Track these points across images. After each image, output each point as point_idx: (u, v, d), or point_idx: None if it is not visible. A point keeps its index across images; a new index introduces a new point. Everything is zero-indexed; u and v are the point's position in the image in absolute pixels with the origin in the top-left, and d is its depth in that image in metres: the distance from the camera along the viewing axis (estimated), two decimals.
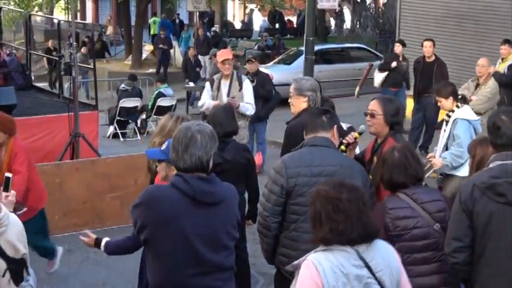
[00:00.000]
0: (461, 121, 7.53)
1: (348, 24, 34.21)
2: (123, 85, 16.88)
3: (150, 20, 32.69)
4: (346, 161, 4.95)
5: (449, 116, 7.72)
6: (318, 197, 3.37)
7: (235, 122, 6.54)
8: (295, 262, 3.38)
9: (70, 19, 10.91)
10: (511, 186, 3.93)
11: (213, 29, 31.52)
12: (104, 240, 4.77)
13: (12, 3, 29.34)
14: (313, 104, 6.10)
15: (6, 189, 4.56)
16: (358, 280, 3.25)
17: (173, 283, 3.87)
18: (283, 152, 6.05)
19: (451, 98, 7.71)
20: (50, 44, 24.74)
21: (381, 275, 3.30)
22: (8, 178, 4.55)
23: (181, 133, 3.90)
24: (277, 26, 37.26)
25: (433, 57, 12.47)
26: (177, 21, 31.80)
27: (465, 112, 7.65)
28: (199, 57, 24.60)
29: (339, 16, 34.88)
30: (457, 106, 7.69)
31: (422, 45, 12.62)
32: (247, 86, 9.02)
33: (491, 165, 4.09)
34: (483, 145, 4.79)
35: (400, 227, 4.52)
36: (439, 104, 7.97)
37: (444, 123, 7.90)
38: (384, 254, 3.38)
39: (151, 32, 31.52)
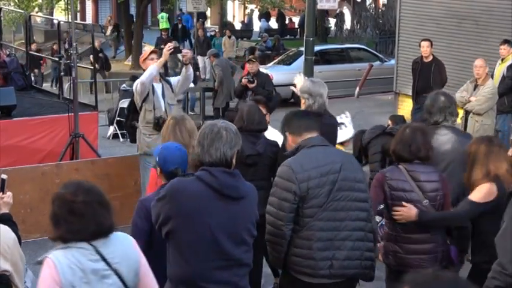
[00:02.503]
0: None
1: (348, 24, 34.17)
2: (124, 85, 16.88)
3: (159, 16, 32.82)
4: (345, 156, 5.06)
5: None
6: (57, 199, 3.51)
7: (266, 120, 6.70)
8: (39, 258, 3.50)
9: (70, 20, 10.92)
10: None
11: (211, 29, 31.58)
12: None
13: (12, 3, 29.35)
14: (308, 108, 6.12)
15: (2, 190, 4.57)
16: (94, 274, 3.42)
17: (193, 276, 3.92)
18: (281, 159, 6.06)
19: None
20: (97, 44, 24.94)
21: (118, 266, 3.49)
22: (3, 180, 4.57)
23: (207, 129, 4.02)
24: (275, 25, 37.28)
25: (431, 58, 12.50)
26: (180, 26, 31.46)
27: None
28: (199, 57, 24.59)
29: (330, 17, 34.82)
30: None
31: (419, 46, 12.65)
32: (174, 81, 8.68)
33: None
34: (478, 143, 5.20)
35: (395, 197, 5.08)
36: None
37: None
38: (123, 247, 3.57)
39: (160, 27, 31.83)
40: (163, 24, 31.84)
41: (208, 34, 27.96)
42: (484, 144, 5.10)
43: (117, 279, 3.48)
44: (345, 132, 7.35)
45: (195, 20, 27.27)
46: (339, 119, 7.19)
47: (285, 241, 4.74)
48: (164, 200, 3.96)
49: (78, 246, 3.43)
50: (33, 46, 24.11)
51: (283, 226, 4.71)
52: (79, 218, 3.43)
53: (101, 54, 24.10)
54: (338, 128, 6.81)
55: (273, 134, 7.12)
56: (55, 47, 24.49)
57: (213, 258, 3.91)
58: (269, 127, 7.11)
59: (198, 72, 21.34)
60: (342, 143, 7.23)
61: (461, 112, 10.55)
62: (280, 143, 6.97)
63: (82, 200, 3.46)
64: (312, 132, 4.93)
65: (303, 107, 6.19)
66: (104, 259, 3.45)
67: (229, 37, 26.33)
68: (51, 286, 3.38)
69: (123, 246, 3.57)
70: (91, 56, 24.51)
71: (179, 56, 8.43)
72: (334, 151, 5.01)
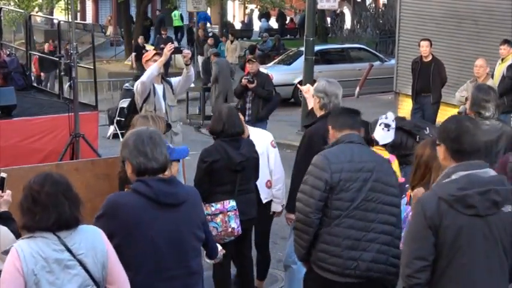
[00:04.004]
0: None
1: (347, 24, 34.13)
2: (126, 84, 16.89)
3: (172, 14, 32.94)
4: (379, 158, 5.12)
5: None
6: (25, 189, 3.63)
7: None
8: (6, 248, 3.59)
9: (70, 19, 10.91)
10: (481, 197, 3.75)
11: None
12: None
13: (12, 3, 29.34)
14: (323, 107, 6.13)
15: (1, 189, 4.58)
16: (57, 263, 3.50)
17: None
18: (301, 157, 6.03)
19: None
20: (140, 40, 24.87)
21: (83, 257, 3.56)
22: (2, 178, 4.57)
23: (143, 135, 3.94)
24: (276, 25, 37.24)
25: (430, 57, 12.52)
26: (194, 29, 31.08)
27: None
28: (199, 57, 24.60)
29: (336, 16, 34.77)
30: None
31: (419, 45, 12.65)
32: (174, 82, 8.66)
33: (453, 177, 3.84)
34: (424, 146, 4.99)
35: None
36: None
37: None
38: (89, 239, 3.63)
39: (174, 25, 31.90)
40: (176, 22, 31.90)
41: (208, 35, 27.85)
42: (429, 148, 5.05)
43: (82, 270, 3.55)
44: (391, 135, 7.27)
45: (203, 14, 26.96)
46: (384, 120, 7.12)
47: (312, 229, 4.78)
48: (103, 219, 3.90)
49: (42, 236, 3.52)
50: (46, 46, 23.91)
51: (311, 213, 4.77)
52: (42, 208, 3.52)
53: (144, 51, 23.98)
54: (385, 129, 6.78)
55: (257, 133, 7.04)
56: (68, 46, 24.31)
57: (160, 270, 3.85)
58: (252, 128, 7.08)
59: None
60: (384, 145, 7.13)
61: None
62: (265, 141, 6.89)
63: (47, 191, 3.55)
64: (353, 130, 5.01)
65: (316, 106, 6.17)
66: (68, 250, 3.53)
67: (232, 42, 25.62)
68: (12, 274, 3.45)
69: (90, 238, 3.62)
70: (133, 54, 24.60)
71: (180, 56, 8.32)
72: (370, 151, 5.08)
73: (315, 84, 6.37)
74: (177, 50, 8.60)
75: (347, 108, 5.32)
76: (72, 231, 3.57)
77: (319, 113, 6.17)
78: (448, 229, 3.77)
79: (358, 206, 4.74)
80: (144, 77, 8.10)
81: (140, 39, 25.40)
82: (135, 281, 3.81)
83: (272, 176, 6.91)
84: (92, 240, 3.62)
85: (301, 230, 4.87)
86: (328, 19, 34.17)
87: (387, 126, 7.12)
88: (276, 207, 6.94)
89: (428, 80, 12.40)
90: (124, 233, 3.83)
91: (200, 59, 24.58)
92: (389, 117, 7.04)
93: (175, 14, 32.54)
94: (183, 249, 3.92)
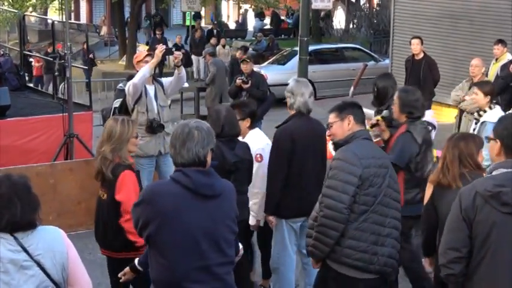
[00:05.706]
0: (490, 124, 7.58)
1: (339, 24, 34.13)
2: (120, 84, 16.82)
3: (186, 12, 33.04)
4: (386, 154, 5.28)
5: (480, 115, 7.97)
6: None
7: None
8: None
9: (64, 19, 10.89)
10: None
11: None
12: (136, 260, 4.82)
13: (6, 3, 29.27)
14: (291, 107, 6.26)
15: None
16: (12, 263, 3.48)
17: (176, 277, 3.92)
18: (271, 158, 6.23)
19: (488, 96, 7.95)
20: (177, 40, 24.63)
21: (40, 258, 3.53)
22: None
23: (179, 129, 4.03)
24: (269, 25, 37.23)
25: (422, 55, 12.47)
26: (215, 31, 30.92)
27: (495, 115, 7.70)
28: (194, 57, 24.57)
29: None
30: (490, 107, 7.90)
31: (410, 43, 12.65)
32: (166, 82, 8.63)
33: (494, 173, 3.88)
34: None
35: None
36: (474, 96, 8.11)
37: (473, 121, 8.07)
38: (47, 240, 3.59)
39: (187, 24, 31.99)
40: (189, 21, 31.84)
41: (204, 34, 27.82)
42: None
43: (40, 271, 3.52)
44: (433, 133, 7.24)
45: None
46: (427, 119, 7.07)
47: (343, 226, 4.73)
48: (141, 205, 3.97)
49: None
50: (50, 49, 23.55)
51: (345, 209, 4.70)
52: None
53: (183, 50, 23.89)
54: (431, 129, 6.76)
55: (258, 136, 6.90)
56: (85, 46, 24.16)
57: (194, 259, 3.92)
58: (257, 129, 7.02)
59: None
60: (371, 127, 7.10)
61: (455, 111, 10.58)
62: (265, 147, 6.73)
63: (1, 193, 3.52)
64: (364, 124, 5.10)
65: (288, 106, 6.30)
66: (25, 250, 3.50)
67: (224, 46, 24.90)
68: None
69: (48, 239, 3.59)
70: (176, 52, 24.36)
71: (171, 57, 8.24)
72: (379, 148, 5.18)
73: (289, 86, 6.43)
74: (169, 51, 8.58)
75: (355, 102, 5.31)
76: (29, 233, 3.55)
77: (290, 113, 6.27)
78: (480, 224, 3.79)
79: (380, 201, 4.78)
80: (136, 79, 8.08)
81: (178, 39, 25.34)
82: (169, 269, 3.90)
83: (253, 188, 6.60)
84: (50, 241, 3.60)
85: (330, 227, 4.75)
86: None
87: (432, 126, 7.10)
88: (250, 220, 6.71)
89: (419, 77, 12.37)
90: (160, 220, 3.89)
91: (194, 58, 24.56)
92: (428, 115, 7.03)
93: (188, 13, 32.52)
94: (217, 240, 3.97)
